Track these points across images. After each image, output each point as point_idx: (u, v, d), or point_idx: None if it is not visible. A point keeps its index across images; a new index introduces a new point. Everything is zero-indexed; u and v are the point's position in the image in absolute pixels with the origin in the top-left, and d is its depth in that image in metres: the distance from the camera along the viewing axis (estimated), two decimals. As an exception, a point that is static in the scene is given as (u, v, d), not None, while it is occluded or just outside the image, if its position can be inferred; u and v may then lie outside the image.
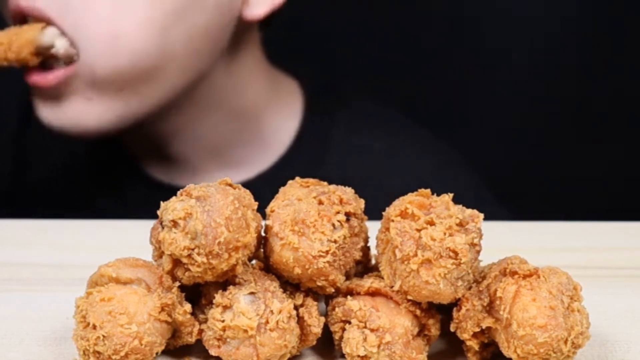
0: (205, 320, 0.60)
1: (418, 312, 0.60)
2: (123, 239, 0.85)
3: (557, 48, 1.47)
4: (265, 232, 0.60)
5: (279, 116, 1.09)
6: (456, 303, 0.60)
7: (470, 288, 0.60)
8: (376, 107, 1.17)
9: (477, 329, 0.59)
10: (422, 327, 0.60)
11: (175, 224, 0.57)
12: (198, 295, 0.61)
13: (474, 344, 0.59)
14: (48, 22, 0.91)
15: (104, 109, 0.95)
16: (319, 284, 0.60)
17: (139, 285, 0.59)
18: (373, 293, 0.60)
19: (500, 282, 0.58)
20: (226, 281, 0.60)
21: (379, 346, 0.59)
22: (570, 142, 1.50)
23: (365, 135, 1.10)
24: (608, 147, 1.50)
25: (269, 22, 1.04)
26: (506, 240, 0.85)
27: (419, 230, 0.58)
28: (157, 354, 0.59)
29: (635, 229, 0.91)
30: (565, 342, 0.56)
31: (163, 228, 0.58)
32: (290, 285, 0.61)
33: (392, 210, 0.60)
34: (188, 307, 0.60)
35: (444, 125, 1.38)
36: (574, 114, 1.49)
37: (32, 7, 0.91)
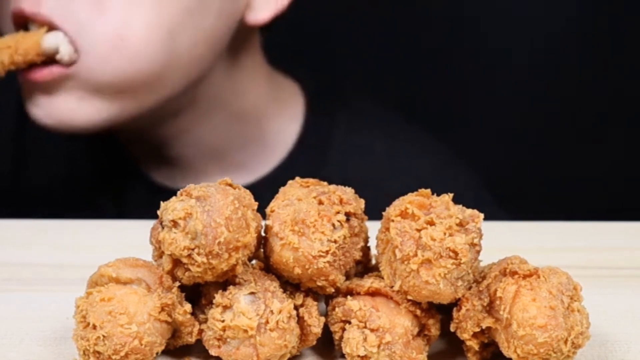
0: (205, 320, 0.60)
1: (418, 312, 0.60)
2: (123, 239, 0.85)
3: (557, 48, 1.47)
4: (265, 232, 0.60)
5: (280, 118, 1.09)
6: (456, 303, 0.60)
7: (470, 288, 0.60)
8: (377, 109, 1.17)
9: (477, 329, 0.59)
10: (422, 327, 0.60)
11: (175, 224, 0.57)
12: (198, 295, 0.61)
13: (474, 344, 0.59)
14: (52, 27, 0.91)
15: (95, 110, 0.94)
16: (319, 284, 0.60)
17: (139, 285, 0.59)
18: (373, 293, 0.60)
19: (500, 282, 0.58)
20: (226, 281, 0.60)
21: (379, 346, 0.59)
22: (570, 142, 1.50)
23: (366, 137, 1.10)
24: (608, 147, 1.50)
25: (270, 26, 1.04)
26: (506, 240, 0.85)
27: (419, 230, 0.58)
28: (157, 354, 0.59)
29: (635, 229, 0.91)
30: (565, 342, 0.56)
31: (163, 228, 0.58)
32: (290, 285, 0.61)
33: (392, 210, 0.60)
34: (188, 307, 0.60)
35: (444, 126, 1.39)
36: (574, 114, 1.49)
37: (36, 12, 0.90)
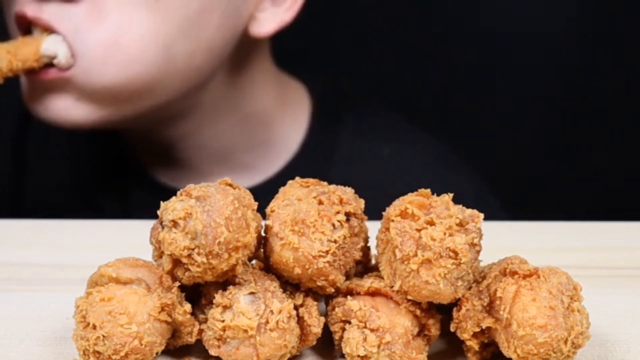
0: (205, 320, 0.60)
1: (418, 312, 0.60)
2: (123, 239, 0.85)
3: (557, 48, 1.47)
4: (265, 232, 0.60)
5: (287, 120, 1.09)
6: (456, 303, 0.60)
7: (470, 288, 0.60)
8: (382, 111, 1.17)
9: (477, 329, 0.59)
10: (422, 327, 0.60)
11: (175, 224, 0.57)
12: (198, 295, 0.61)
13: (474, 344, 0.59)
14: (52, 31, 0.91)
15: (91, 110, 0.94)
16: (319, 284, 0.60)
17: (139, 285, 0.59)
18: (373, 293, 0.60)
19: (500, 282, 0.58)
20: (226, 281, 0.60)
21: (379, 346, 0.59)
22: (570, 142, 1.50)
23: (371, 139, 1.10)
24: (608, 147, 1.50)
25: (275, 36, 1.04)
26: (506, 240, 0.85)
27: (419, 230, 0.58)
28: (157, 354, 0.59)
29: (635, 229, 0.91)
30: (565, 342, 0.56)
31: (163, 228, 0.58)
32: (290, 285, 0.61)
33: (392, 210, 0.60)
34: (188, 307, 0.60)
35: (443, 126, 1.39)
36: (574, 114, 1.49)
37: (38, 17, 0.91)
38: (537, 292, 0.57)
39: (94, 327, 0.57)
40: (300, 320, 0.60)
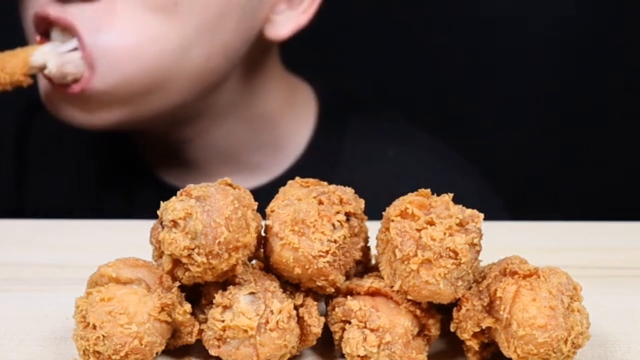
0: (205, 320, 0.60)
1: (418, 312, 0.60)
2: (123, 239, 0.85)
3: (557, 48, 1.47)
4: (265, 232, 0.60)
5: (294, 121, 1.09)
6: (456, 303, 0.60)
7: (470, 288, 0.60)
8: (388, 113, 1.17)
9: (477, 329, 0.59)
10: (422, 327, 0.60)
11: (175, 224, 0.57)
12: (198, 295, 0.61)
13: (474, 344, 0.59)
14: (73, 31, 0.91)
15: (110, 114, 0.95)
16: (319, 284, 0.60)
17: (139, 285, 0.59)
18: (373, 293, 0.60)
19: (500, 282, 0.58)
20: (226, 281, 0.60)
21: (379, 346, 0.59)
22: (570, 142, 1.50)
23: (377, 141, 1.11)
24: (608, 147, 1.50)
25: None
26: (506, 240, 0.85)
27: (419, 230, 0.58)
28: (157, 354, 0.59)
29: (635, 229, 0.91)
30: (565, 342, 0.56)
31: (163, 228, 0.59)
32: (290, 285, 0.61)
33: (392, 210, 0.60)
34: (188, 307, 0.60)
35: (445, 126, 1.39)
36: (574, 114, 1.49)
37: (61, 17, 0.91)
38: (537, 292, 0.57)
39: (94, 327, 0.57)
40: (300, 320, 0.60)
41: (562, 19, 1.47)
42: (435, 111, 1.48)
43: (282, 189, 0.63)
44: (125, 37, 0.91)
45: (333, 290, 0.61)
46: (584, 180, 1.49)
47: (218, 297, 0.59)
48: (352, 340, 0.59)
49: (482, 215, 0.60)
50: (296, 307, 0.60)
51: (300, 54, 1.16)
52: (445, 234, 0.58)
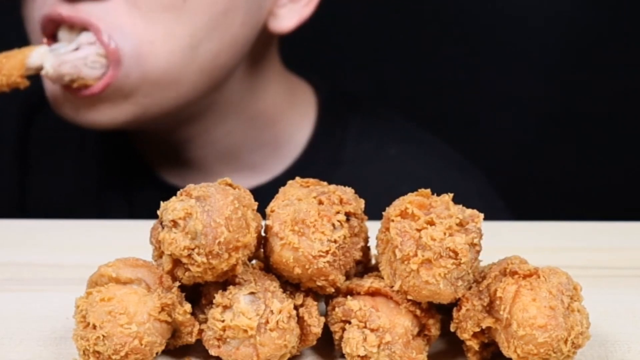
0: (205, 320, 0.60)
1: (418, 312, 0.60)
2: (123, 239, 0.85)
3: (557, 48, 1.47)
4: (265, 232, 0.60)
5: (294, 121, 1.09)
6: (456, 303, 0.60)
7: (470, 288, 0.60)
8: (388, 112, 1.17)
9: (477, 329, 0.59)
10: (422, 327, 0.60)
11: (175, 224, 0.57)
12: (198, 295, 0.61)
13: (474, 344, 0.59)
14: (89, 29, 0.91)
15: (119, 111, 0.95)
16: (319, 284, 0.60)
17: (139, 285, 0.59)
18: (373, 293, 0.60)
19: (500, 282, 0.58)
20: (226, 281, 0.60)
21: (379, 346, 0.59)
22: (570, 142, 1.50)
23: (377, 140, 1.11)
24: (608, 147, 1.50)
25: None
26: (506, 240, 0.85)
27: (419, 230, 0.58)
28: (157, 354, 0.59)
29: (635, 229, 0.91)
30: (565, 342, 0.56)
31: (163, 228, 0.58)
32: (290, 285, 0.61)
33: (392, 210, 0.60)
34: (188, 307, 0.60)
35: (445, 126, 1.39)
36: (574, 114, 1.49)
37: (74, 15, 0.91)
38: (537, 292, 0.57)
39: (94, 327, 0.57)
40: (300, 320, 0.60)
41: (563, 18, 1.47)
42: (435, 110, 1.48)
43: (282, 189, 0.63)
44: (145, 35, 0.92)
45: (333, 290, 0.61)
46: (584, 180, 1.49)
47: (218, 297, 0.59)
48: (352, 340, 0.59)
49: (482, 215, 0.60)
50: (296, 307, 0.60)
51: (300, 53, 1.16)
52: (445, 234, 0.58)
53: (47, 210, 1.08)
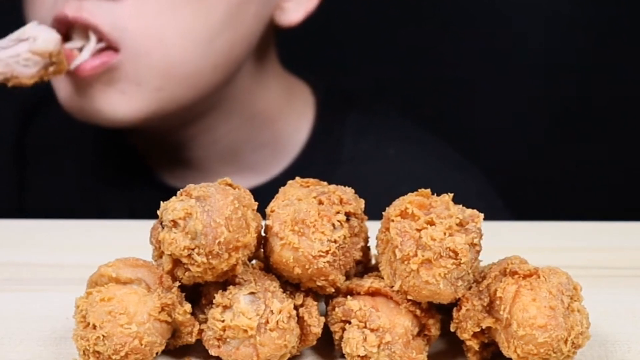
0: (205, 320, 0.60)
1: (418, 312, 0.60)
2: (123, 239, 0.85)
3: (557, 48, 1.47)
4: (265, 232, 0.60)
5: (292, 120, 1.09)
6: (456, 303, 0.60)
7: (470, 288, 0.60)
8: (387, 112, 1.17)
9: (477, 329, 0.59)
10: (422, 327, 0.60)
11: (175, 224, 0.57)
12: (198, 295, 0.61)
13: (474, 344, 0.59)
14: (94, 29, 0.92)
15: (136, 104, 0.95)
16: (319, 284, 0.60)
17: (139, 285, 0.59)
18: (373, 293, 0.60)
19: (500, 282, 0.58)
20: (226, 281, 0.60)
21: (379, 346, 0.59)
22: (570, 142, 1.50)
23: (376, 139, 1.11)
24: (608, 147, 1.50)
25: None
26: (506, 240, 0.85)
27: (419, 230, 0.58)
28: (157, 354, 0.59)
29: (635, 229, 0.91)
30: (565, 342, 0.56)
31: (163, 228, 0.59)
32: (290, 285, 0.61)
33: (392, 210, 0.60)
34: (188, 307, 0.60)
35: (443, 126, 1.39)
36: (573, 114, 1.49)
37: (78, 16, 0.91)
38: (537, 292, 0.57)
39: (94, 327, 0.57)
40: (300, 320, 0.60)
41: (563, 17, 1.47)
42: (434, 110, 1.48)
43: (282, 189, 0.63)
44: (151, 34, 0.92)
45: (333, 290, 0.61)
46: (584, 180, 1.49)
47: (218, 297, 0.59)
48: (352, 340, 0.59)
49: (482, 215, 0.60)
50: (296, 307, 0.60)
51: (298, 53, 1.16)
52: (445, 234, 0.58)
53: (46, 211, 1.08)
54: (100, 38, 0.92)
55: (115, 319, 0.57)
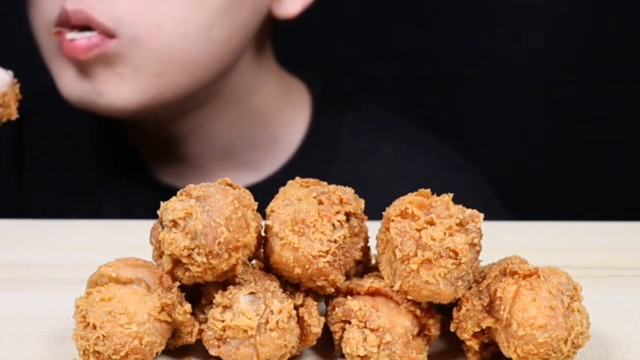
0: (205, 320, 0.60)
1: (418, 312, 0.60)
2: (123, 239, 0.85)
3: (557, 48, 1.47)
4: (265, 232, 0.60)
5: (288, 118, 1.09)
6: (456, 303, 0.60)
7: (470, 288, 0.60)
8: (384, 110, 1.17)
9: (477, 329, 0.59)
10: (422, 327, 0.60)
11: (175, 224, 0.57)
12: (198, 295, 0.61)
13: (474, 344, 0.59)
14: (91, 21, 0.92)
15: (135, 91, 0.95)
16: (319, 284, 0.60)
17: (139, 285, 0.59)
18: (373, 293, 0.60)
19: (500, 282, 0.58)
20: (226, 281, 0.60)
21: (379, 346, 0.59)
22: (570, 142, 1.50)
23: (373, 138, 1.11)
24: (608, 147, 1.50)
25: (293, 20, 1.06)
26: (506, 240, 0.85)
27: (419, 230, 0.58)
28: (157, 354, 0.59)
29: (635, 229, 0.91)
30: (565, 342, 0.56)
31: (163, 228, 0.58)
32: (290, 285, 0.61)
33: (392, 210, 0.60)
34: (188, 307, 0.60)
35: (444, 126, 1.39)
36: (574, 113, 1.49)
37: (78, 9, 0.92)
38: (537, 292, 0.57)
39: (94, 327, 0.57)
40: (300, 320, 0.60)
41: (563, 17, 1.47)
42: (432, 108, 1.47)
43: (282, 189, 0.63)
44: (149, 22, 0.93)
45: (333, 290, 0.61)
46: (584, 180, 1.49)
47: (218, 297, 0.59)
48: (352, 340, 0.59)
49: (482, 215, 0.60)
50: (296, 307, 0.60)
51: (294, 51, 1.16)
52: (445, 234, 0.58)
53: (43, 211, 1.07)
54: (98, 29, 0.93)
55: (115, 319, 0.57)
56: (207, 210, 0.57)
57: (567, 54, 1.47)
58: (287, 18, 1.02)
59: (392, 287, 0.60)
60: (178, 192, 0.59)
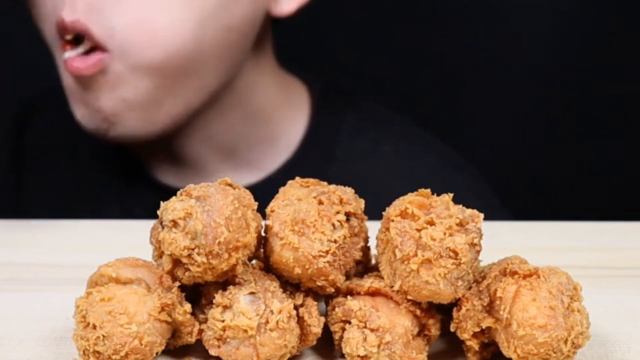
0: (205, 320, 0.60)
1: (418, 312, 0.60)
2: (123, 239, 0.85)
3: (557, 48, 1.47)
4: (265, 232, 0.60)
5: (288, 118, 1.09)
6: (456, 303, 0.60)
7: (470, 288, 0.60)
8: (383, 110, 1.17)
9: (477, 329, 0.59)
10: (422, 327, 0.60)
11: (175, 224, 0.57)
12: (198, 295, 0.61)
13: (474, 344, 0.59)
14: (87, 34, 0.92)
15: (153, 121, 0.96)
16: (319, 284, 0.60)
17: (139, 285, 0.59)
18: (373, 293, 0.60)
19: (500, 282, 0.58)
20: (226, 281, 0.60)
21: (379, 346, 0.59)
22: (570, 142, 1.50)
23: (372, 137, 1.11)
24: (608, 147, 1.50)
25: (289, 19, 1.06)
26: (506, 240, 0.85)
27: (419, 230, 0.58)
28: (157, 354, 0.59)
29: (635, 229, 0.91)
30: (565, 342, 0.56)
31: (163, 228, 0.59)
32: (290, 285, 0.61)
33: (392, 210, 0.60)
34: (188, 307, 0.60)
35: (444, 125, 1.39)
36: (574, 114, 1.49)
37: (75, 20, 0.92)
38: (537, 292, 0.57)
39: (94, 327, 0.57)
40: (300, 320, 0.60)
41: (563, 17, 1.47)
42: (432, 108, 1.48)
43: (282, 189, 0.63)
44: (137, 20, 0.92)
45: (333, 290, 0.61)
46: (584, 180, 1.49)
47: (218, 297, 0.59)
48: (352, 340, 0.59)
49: (482, 215, 0.60)
50: (296, 307, 0.60)
51: (295, 51, 1.16)
52: (445, 234, 0.58)
53: (43, 211, 1.08)
54: (91, 40, 0.92)
55: (115, 319, 0.57)
56: (207, 210, 0.57)
57: (568, 54, 1.47)
58: (284, 16, 1.02)
59: (392, 287, 0.60)
60: (178, 192, 0.59)
